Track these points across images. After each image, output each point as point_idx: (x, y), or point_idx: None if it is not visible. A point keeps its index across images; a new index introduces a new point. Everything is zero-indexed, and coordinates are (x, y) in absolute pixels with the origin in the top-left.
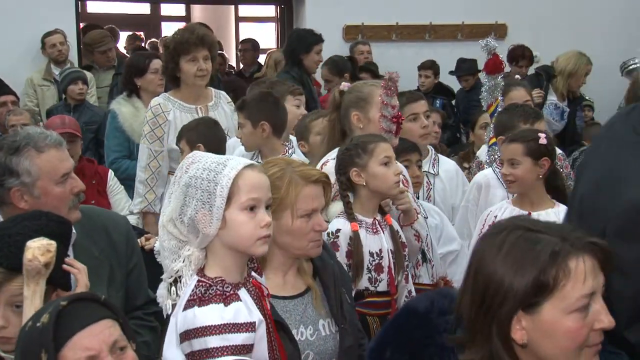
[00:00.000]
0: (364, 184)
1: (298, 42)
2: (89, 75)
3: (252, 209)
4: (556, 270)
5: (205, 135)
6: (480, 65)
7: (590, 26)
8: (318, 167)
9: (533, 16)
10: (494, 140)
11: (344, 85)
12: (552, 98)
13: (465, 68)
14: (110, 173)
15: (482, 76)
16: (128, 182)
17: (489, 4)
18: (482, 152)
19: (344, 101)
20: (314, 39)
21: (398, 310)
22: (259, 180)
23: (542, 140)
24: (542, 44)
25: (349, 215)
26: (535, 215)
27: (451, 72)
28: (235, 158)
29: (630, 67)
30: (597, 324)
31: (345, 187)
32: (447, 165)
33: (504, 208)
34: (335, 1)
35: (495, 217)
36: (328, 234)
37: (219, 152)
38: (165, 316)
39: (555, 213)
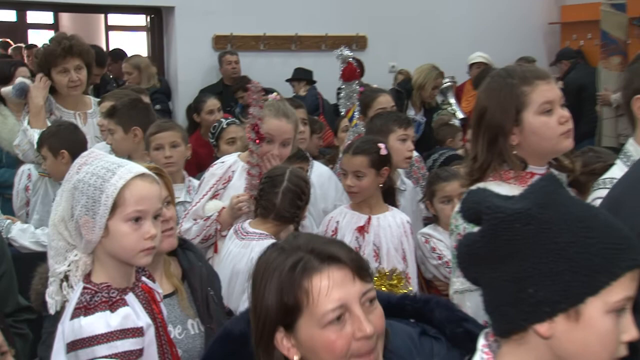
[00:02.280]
0: None
1: None
2: None
3: (137, 220)
4: (297, 291)
5: (69, 141)
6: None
7: (443, 39)
8: None
9: (391, 29)
10: None
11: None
12: (411, 112)
13: (300, 75)
14: None
15: (340, 83)
16: None
17: (350, 17)
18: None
19: None
20: None
21: (216, 334)
22: (147, 192)
23: (383, 151)
24: (400, 56)
25: None
26: (374, 217)
27: (287, 80)
28: (128, 165)
29: (444, 86)
30: (358, 332)
31: None
32: (320, 170)
33: (344, 213)
34: (204, 12)
35: (337, 222)
36: None
37: None
38: (53, 313)
39: (391, 215)
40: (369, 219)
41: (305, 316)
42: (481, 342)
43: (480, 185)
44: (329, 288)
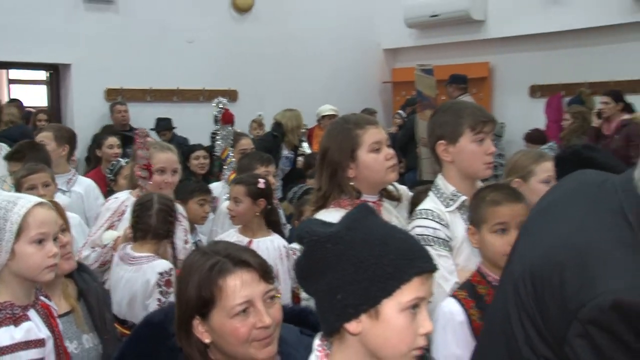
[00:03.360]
0: None
1: None
2: None
3: (40, 241)
4: (213, 287)
5: None
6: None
7: (300, 93)
8: None
9: (258, 84)
10: (232, 176)
11: None
12: (284, 152)
13: (162, 125)
14: None
15: (217, 127)
16: None
17: (223, 73)
18: (216, 187)
19: None
20: None
21: (139, 322)
22: (47, 217)
23: (261, 185)
24: (266, 105)
25: None
26: (255, 240)
27: (152, 129)
28: (26, 197)
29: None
30: (259, 323)
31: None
32: (85, 183)
33: (231, 235)
34: (98, 68)
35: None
36: None
37: None
38: None
39: (270, 240)
40: (250, 241)
41: (218, 308)
42: (316, 342)
43: (322, 211)
44: (239, 286)
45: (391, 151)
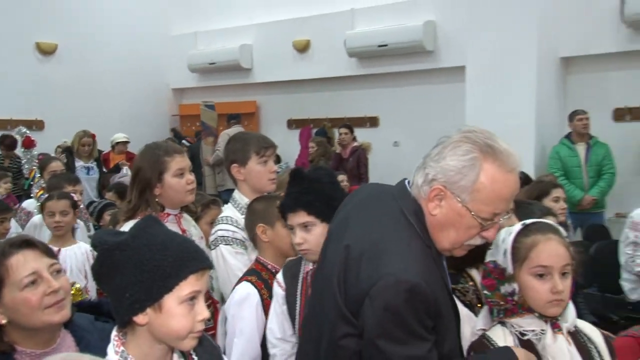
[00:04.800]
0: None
1: None
2: None
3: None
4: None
5: None
6: None
7: (100, 121)
8: None
9: (63, 114)
10: (40, 193)
11: None
12: (79, 163)
13: None
14: None
15: (20, 151)
16: None
17: (30, 105)
18: (30, 203)
19: None
20: None
21: None
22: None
23: (76, 197)
24: (71, 133)
25: None
26: (63, 250)
27: None
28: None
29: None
30: (48, 289)
31: None
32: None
33: None
34: None
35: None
36: None
37: None
38: None
39: (77, 247)
40: (59, 250)
41: (8, 286)
42: (113, 333)
43: (131, 221)
44: (23, 262)
45: (192, 177)
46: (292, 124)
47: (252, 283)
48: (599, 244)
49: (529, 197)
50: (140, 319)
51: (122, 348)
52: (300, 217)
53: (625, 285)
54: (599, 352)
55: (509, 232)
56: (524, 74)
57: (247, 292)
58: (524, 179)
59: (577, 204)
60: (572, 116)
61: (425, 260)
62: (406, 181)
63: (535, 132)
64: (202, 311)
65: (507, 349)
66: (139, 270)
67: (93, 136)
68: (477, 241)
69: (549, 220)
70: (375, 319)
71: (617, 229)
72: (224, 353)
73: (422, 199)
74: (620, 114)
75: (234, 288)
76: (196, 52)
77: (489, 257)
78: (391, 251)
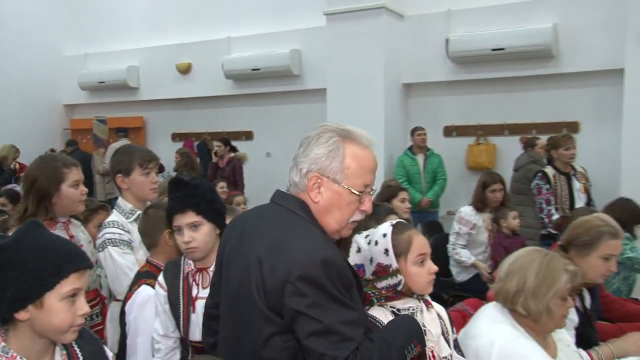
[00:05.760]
0: None
1: None
2: None
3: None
4: None
5: None
6: None
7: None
8: None
9: None
10: None
11: None
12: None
13: None
14: None
15: None
16: None
17: None
18: None
19: None
20: None
21: None
22: None
23: None
24: None
25: None
26: None
27: None
28: None
29: None
30: None
31: None
32: None
33: None
34: None
35: None
36: None
37: None
38: None
39: None
40: None
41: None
42: None
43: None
44: None
45: (85, 189)
46: (176, 137)
47: (152, 286)
48: (435, 237)
49: (381, 198)
50: (21, 315)
51: (3, 344)
52: (189, 217)
53: (453, 270)
54: (446, 324)
55: (381, 234)
56: (373, 96)
57: (149, 295)
58: None
59: (417, 204)
60: (413, 132)
61: (328, 241)
62: (280, 190)
63: (384, 144)
64: (83, 306)
65: (407, 315)
66: (20, 270)
67: None
68: (358, 216)
69: (395, 219)
70: (300, 294)
71: (448, 225)
72: (125, 350)
73: (302, 193)
74: (449, 131)
75: (131, 289)
76: (86, 72)
77: (351, 262)
78: (296, 239)
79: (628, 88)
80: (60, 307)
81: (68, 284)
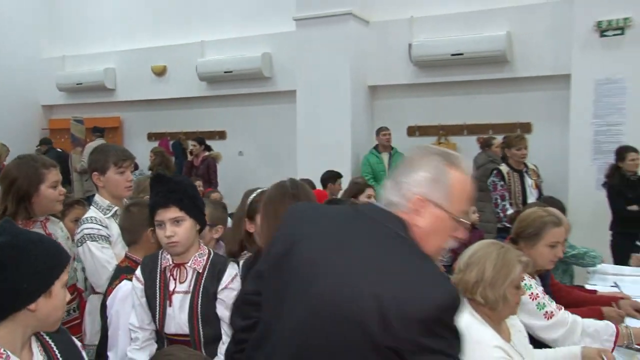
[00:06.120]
0: None
1: None
2: None
3: None
4: None
5: None
6: None
7: None
8: None
9: None
10: None
11: None
12: None
13: None
14: None
15: None
16: None
17: None
18: None
19: None
20: None
21: None
22: None
23: None
24: None
25: None
26: None
27: None
28: None
29: None
30: None
31: None
32: None
33: None
34: None
35: None
36: None
37: None
38: None
39: None
40: None
41: None
42: None
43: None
44: None
45: (64, 190)
46: (151, 137)
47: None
48: None
49: (348, 194)
50: (33, 306)
51: None
52: (172, 213)
53: None
54: None
55: None
56: (341, 98)
57: (130, 290)
58: None
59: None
60: (378, 132)
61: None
62: (375, 204)
63: (351, 144)
64: (67, 295)
65: None
66: (30, 262)
67: None
68: (451, 244)
69: None
70: (437, 336)
71: None
72: (107, 342)
73: (402, 213)
74: (412, 131)
75: (112, 284)
76: (64, 74)
77: None
78: (421, 273)
79: (574, 92)
80: (62, 295)
81: (65, 273)
